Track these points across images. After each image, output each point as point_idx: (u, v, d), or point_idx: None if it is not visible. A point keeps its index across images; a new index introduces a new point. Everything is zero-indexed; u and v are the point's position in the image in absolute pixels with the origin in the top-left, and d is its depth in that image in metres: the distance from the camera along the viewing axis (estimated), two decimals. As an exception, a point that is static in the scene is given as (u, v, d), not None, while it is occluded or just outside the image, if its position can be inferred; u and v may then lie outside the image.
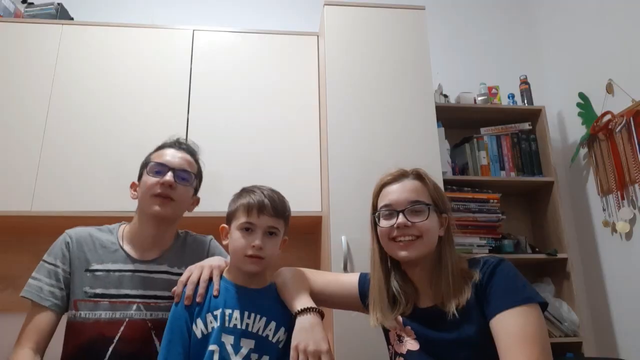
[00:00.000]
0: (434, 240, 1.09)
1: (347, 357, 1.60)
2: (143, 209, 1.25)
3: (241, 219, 1.09)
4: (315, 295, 1.15)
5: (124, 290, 1.20)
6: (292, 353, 0.99)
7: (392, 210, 1.09)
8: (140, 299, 1.20)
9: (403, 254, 1.07)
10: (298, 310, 1.05)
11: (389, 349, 1.17)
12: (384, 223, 1.11)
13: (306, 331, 1.01)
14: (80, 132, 1.96)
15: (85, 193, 1.87)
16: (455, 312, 0.99)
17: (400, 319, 1.10)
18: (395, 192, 1.11)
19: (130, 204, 1.31)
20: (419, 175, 1.14)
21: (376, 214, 1.14)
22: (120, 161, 1.90)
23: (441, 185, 1.83)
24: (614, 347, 2.14)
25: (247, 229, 1.09)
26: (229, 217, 1.14)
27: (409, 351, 1.08)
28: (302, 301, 1.08)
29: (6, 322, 1.42)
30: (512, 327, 0.94)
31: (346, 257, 1.69)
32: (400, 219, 1.07)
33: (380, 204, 1.13)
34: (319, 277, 1.22)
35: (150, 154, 1.31)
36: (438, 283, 1.05)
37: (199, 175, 1.34)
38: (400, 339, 1.11)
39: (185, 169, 1.27)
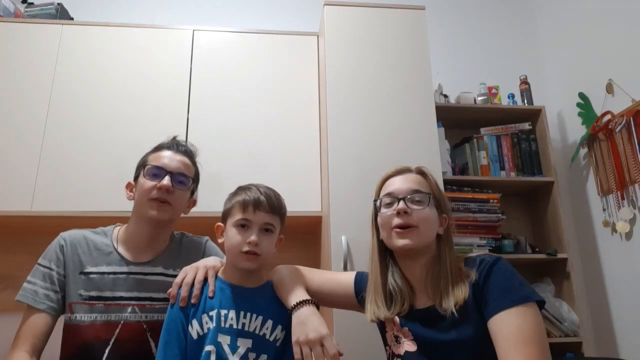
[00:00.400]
0: (432, 232, 1.09)
1: (347, 357, 1.60)
2: (139, 212, 1.24)
3: (237, 216, 1.09)
4: (312, 294, 1.14)
5: (119, 292, 1.20)
6: (294, 349, 0.98)
7: (394, 198, 1.10)
8: (135, 301, 1.20)
9: (402, 241, 1.07)
10: (292, 306, 1.05)
11: (386, 350, 1.17)
12: (384, 211, 1.12)
13: (303, 324, 1.01)
14: (80, 132, 1.96)
15: (85, 193, 1.87)
16: (454, 310, 0.99)
17: (397, 319, 1.10)
18: (398, 182, 1.13)
19: (128, 204, 1.31)
20: (422, 172, 1.17)
21: (377, 201, 1.15)
22: (120, 161, 1.90)
23: (441, 185, 1.83)
24: (614, 347, 2.14)
25: (242, 226, 1.09)
26: (225, 215, 1.14)
27: (407, 352, 1.07)
28: (296, 295, 1.08)
29: (6, 322, 1.42)
30: (510, 328, 0.93)
31: (346, 257, 1.69)
32: (401, 205, 1.08)
33: (383, 193, 1.15)
34: (316, 276, 1.22)
35: (147, 155, 1.29)
36: (437, 282, 1.05)
37: (196, 178, 1.33)
38: (397, 340, 1.10)
39: (182, 173, 1.25)
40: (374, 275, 1.14)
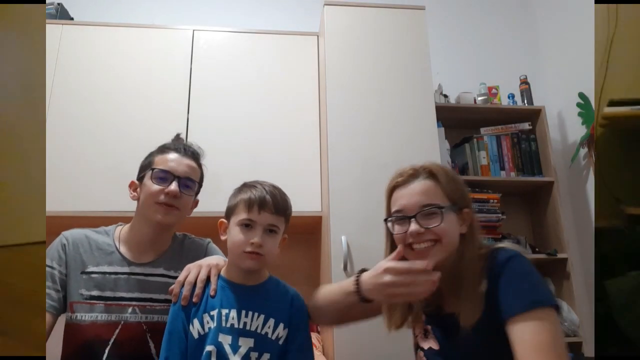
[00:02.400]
0: (454, 242, 1.03)
1: (348, 358, 1.60)
2: (145, 215, 1.23)
3: (241, 215, 1.07)
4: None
5: (120, 292, 1.20)
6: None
7: (404, 216, 1.04)
8: (136, 301, 1.20)
9: (421, 262, 0.99)
10: (355, 279, 1.07)
11: (414, 336, 1.16)
12: (397, 229, 1.06)
13: (374, 269, 1.03)
14: (80, 131, 1.96)
15: (86, 193, 1.87)
16: (471, 326, 0.96)
17: (423, 316, 1.10)
18: (405, 197, 1.05)
19: (130, 205, 1.31)
20: (431, 173, 1.07)
21: (389, 222, 1.09)
22: (121, 161, 1.89)
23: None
24: (614, 347, 2.14)
25: (246, 225, 1.07)
26: (229, 212, 1.12)
27: (430, 348, 1.07)
28: (346, 281, 1.10)
29: (6, 322, 1.42)
30: (525, 335, 0.89)
31: (346, 257, 1.69)
32: (413, 226, 1.01)
33: (393, 209, 1.08)
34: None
35: (153, 156, 1.27)
36: (457, 293, 1.00)
37: (201, 181, 1.33)
38: (426, 335, 1.10)
39: (190, 177, 1.25)
40: None
